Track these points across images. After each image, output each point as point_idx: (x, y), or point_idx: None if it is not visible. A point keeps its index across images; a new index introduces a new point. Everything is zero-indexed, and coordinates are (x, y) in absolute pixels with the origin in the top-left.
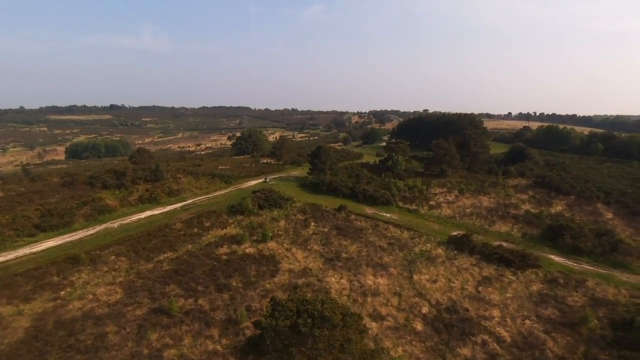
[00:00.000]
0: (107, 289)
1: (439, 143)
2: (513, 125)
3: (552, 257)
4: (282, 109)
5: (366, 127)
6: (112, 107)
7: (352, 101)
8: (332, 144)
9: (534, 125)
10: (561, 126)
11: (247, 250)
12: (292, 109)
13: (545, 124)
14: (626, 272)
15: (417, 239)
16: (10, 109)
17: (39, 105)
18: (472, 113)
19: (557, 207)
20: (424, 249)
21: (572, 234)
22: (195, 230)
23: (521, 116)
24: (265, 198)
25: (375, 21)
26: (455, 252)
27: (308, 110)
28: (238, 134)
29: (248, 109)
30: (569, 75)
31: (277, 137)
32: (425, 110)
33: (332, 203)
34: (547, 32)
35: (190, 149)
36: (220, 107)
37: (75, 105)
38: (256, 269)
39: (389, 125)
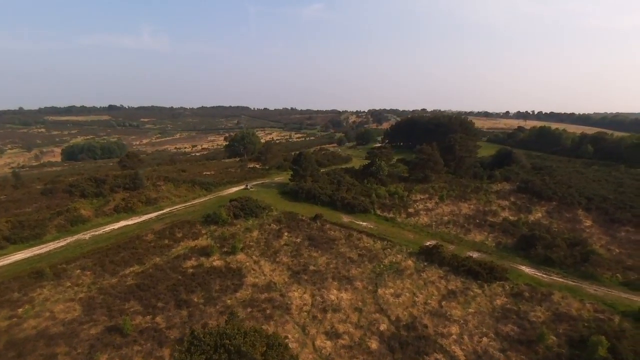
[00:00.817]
0: (66, 306)
1: (422, 148)
2: (510, 124)
3: (523, 268)
4: (281, 108)
5: (362, 128)
6: (111, 108)
7: (352, 100)
8: (327, 145)
9: (532, 124)
10: (555, 126)
11: (215, 263)
12: (292, 109)
13: (543, 123)
14: (595, 284)
15: (389, 249)
16: (9, 109)
17: (37, 106)
18: (464, 116)
19: (537, 214)
20: (393, 260)
21: (544, 244)
22: (166, 241)
23: (519, 115)
24: (241, 207)
25: (374, 20)
26: (425, 263)
27: (307, 110)
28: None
29: (247, 108)
30: (569, 73)
31: (273, 138)
32: (424, 110)
33: (310, 211)
34: (546, 29)
35: (187, 150)
36: (219, 107)
37: (74, 106)
38: (220, 283)
39: (386, 125)
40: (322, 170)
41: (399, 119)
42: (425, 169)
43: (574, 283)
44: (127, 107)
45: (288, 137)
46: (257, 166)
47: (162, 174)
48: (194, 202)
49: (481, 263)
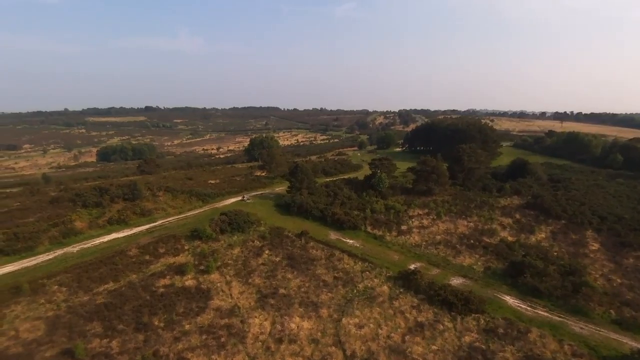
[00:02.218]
0: (32, 325)
1: (425, 159)
2: (544, 126)
3: (507, 299)
4: (311, 109)
5: (382, 131)
6: (147, 109)
7: (383, 100)
8: (348, 149)
9: (569, 126)
10: (594, 129)
11: (187, 283)
12: (322, 109)
13: (580, 125)
14: (583, 320)
15: (368, 272)
16: (55, 111)
17: (81, 107)
18: (491, 118)
19: (540, 235)
20: (369, 285)
21: (533, 272)
22: (147, 257)
23: (557, 116)
24: (229, 221)
25: (407, 17)
26: (401, 290)
27: (338, 110)
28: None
29: (277, 109)
30: (619, 70)
31: (298, 140)
32: (454, 111)
33: (299, 226)
34: (594, 22)
35: (212, 151)
36: (249, 107)
37: (113, 107)
38: (185, 306)
39: (412, 127)
40: (327, 179)
41: (426, 120)
42: (428, 182)
43: (559, 318)
44: (162, 108)
45: (313, 138)
46: (263, 174)
47: (164, 183)
48: (187, 214)
49: (457, 293)
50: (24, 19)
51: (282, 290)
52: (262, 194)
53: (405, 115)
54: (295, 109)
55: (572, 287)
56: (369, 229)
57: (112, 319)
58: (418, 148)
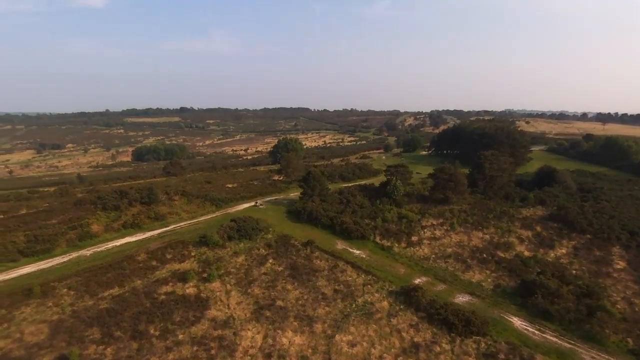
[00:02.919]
0: (36, 328)
1: (442, 167)
2: (584, 128)
3: (514, 320)
4: (341, 109)
5: (409, 134)
6: (182, 110)
7: (414, 100)
8: (373, 151)
9: (612, 128)
10: (627, 136)
11: (188, 291)
12: (352, 109)
13: (625, 128)
14: (596, 348)
15: (370, 285)
16: (97, 111)
17: (121, 108)
18: (525, 119)
19: (561, 250)
20: (368, 300)
21: (545, 293)
22: (154, 263)
23: (600, 117)
24: (237, 228)
25: (441, 13)
26: (401, 306)
27: (368, 110)
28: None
29: (307, 110)
30: None
31: (325, 141)
32: (486, 112)
33: (307, 235)
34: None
35: (240, 152)
36: (280, 108)
37: (150, 108)
38: (182, 315)
39: (443, 129)
40: (344, 185)
41: (458, 121)
42: (445, 190)
43: (569, 345)
44: (196, 109)
45: (340, 140)
46: (281, 179)
47: (183, 186)
48: (200, 219)
49: (459, 312)
50: (72, 24)
51: (279, 302)
52: (276, 199)
53: (435, 117)
54: (325, 110)
55: (587, 310)
56: (377, 239)
57: (111, 326)
58: (445, 152)
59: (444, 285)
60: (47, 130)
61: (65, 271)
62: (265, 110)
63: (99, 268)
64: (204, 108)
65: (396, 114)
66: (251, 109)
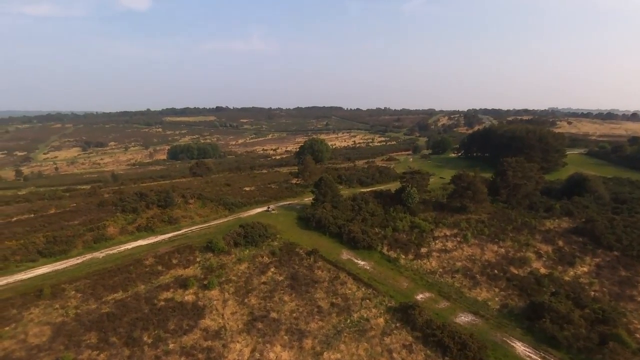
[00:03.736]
0: (40, 330)
1: (460, 175)
2: (633, 129)
3: (517, 345)
4: (374, 108)
5: (450, 132)
6: (218, 109)
7: (451, 98)
8: (401, 153)
9: None
10: None
11: (186, 298)
12: (385, 108)
13: None
14: None
15: (368, 300)
16: (138, 110)
17: (161, 107)
18: (561, 123)
19: (582, 268)
20: (365, 315)
21: (554, 317)
22: (160, 267)
23: None
24: (244, 234)
25: (479, 9)
26: (397, 324)
27: (402, 109)
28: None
29: (340, 109)
30: None
31: (355, 142)
32: (526, 110)
33: (314, 242)
34: None
35: (270, 152)
36: (313, 107)
37: (188, 108)
38: (177, 323)
39: (479, 128)
40: (362, 190)
41: (494, 121)
42: (463, 198)
43: None
44: (231, 108)
45: (371, 140)
46: (298, 182)
47: (202, 189)
48: (211, 224)
49: (455, 335)
50: (118, 27)
51: (273, 314)
52: (289, 204)
53: (470, 117)
54: (358, 109)
55: (599, 339)
56: (384, 249)
57: (108, 331)
58: (474, 155)
59: (447, 303)
60: (92, 129)
61: (76, 273)
62: (298, 109)
63: (108, 271)
64: (239, 107)
65: (430, 113)
66: (284, 108)
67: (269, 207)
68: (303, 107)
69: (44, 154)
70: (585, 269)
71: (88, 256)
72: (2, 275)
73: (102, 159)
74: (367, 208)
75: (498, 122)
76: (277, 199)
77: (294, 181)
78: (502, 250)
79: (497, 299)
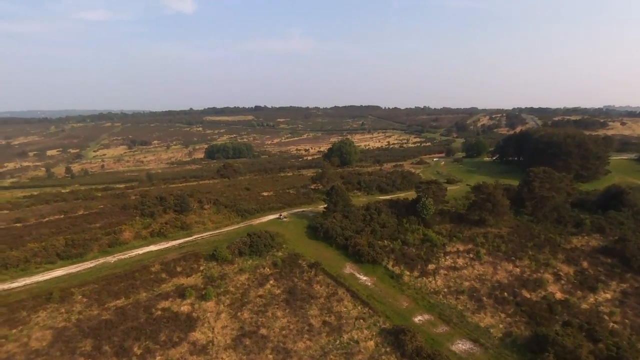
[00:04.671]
0: (42, 334)
1: (479, 186)
2: None
3: None
4: (413, 107)
5: (490, 132)
6: (256, 108)
7: (495, 97)
8: (434, 155)
9: None
10: None
11: (182, 308)
12: (424, 107)
13: None
14: None
15: (362, 320)
16: (182, 110)
17: (202, 106)
18: (613, 123)
19: (604, 295)
20: (355, 337)
21: (559, 352)
22: (164, 275)
23: None
24: (250, 243)
25: (529, 6)
26: (387, 349)
27: (442, 108)
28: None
29: (378, 108)
30: None
31: (389, 142)
32: (576, 109)
33: (319, 254)
34: None
35: (302, 152)
36: (350, 106)
37: (228, 107)
38: (168, 334)
39: (522, 129)
40: (381, 197)
41: (539, 122)
42: (482, 211)
43: None
44: (269, 108)
45: (405, 141)
46: (317, 187)
47: (220, 194)
48: (222, 230)
49: None
50: (165, 29)
51: (263, 331)
52: (303, 211)
53: (513, 117)
54: (395, 108)
55: None
56: (390, 264)
57: (103, 339)
58: (510, 159)
59: (446, 327)
60: (138, 128)
61: (87, 277)
62: (335, 108)
63: (116, 277)
64: (277, 107)
65: (471, 112)
66: (321, 107)
67: (280, 215)
68: (340, 106)
69: (94, 151)
70: (608, 296)
71: (101, 260)
72: (22, 276)
73: (145, 157)
74: (378, 219)
75: (543, 122)
76: (292, 206)
77: (312, 186)
78: (517, 270)
79: (501, 325)
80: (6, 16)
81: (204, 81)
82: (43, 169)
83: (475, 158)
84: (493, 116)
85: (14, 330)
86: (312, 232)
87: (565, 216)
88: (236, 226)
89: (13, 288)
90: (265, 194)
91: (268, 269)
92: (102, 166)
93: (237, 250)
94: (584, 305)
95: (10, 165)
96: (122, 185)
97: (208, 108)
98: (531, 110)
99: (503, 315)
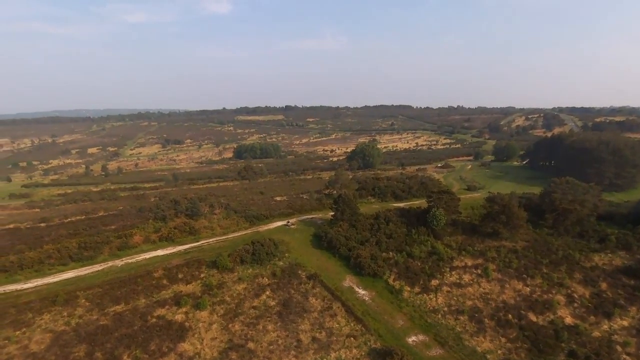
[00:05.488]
0: (41, 337)
1: (493, 197)
2: None
3: None
4: (446, 106)
5: (524, 134)
6: (287, 108)
7: (534, 95)
8: (462, 158)
9: None
10: None
11: (176, 317)
12: (457, 107)
13: None
14: None
15: (353, 338)
16: (215, 109)
17: (235, 106)
18: (627, 138)
19: (621, 322)
20: (342, 356)
21: None
22: (165, 281)
23: None
24: (252, 252)
25: None
26: None
27: (477, 107)
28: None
29: (409, 107)
30: None
31: (418, 143)
32: (622, 109)
33: (321, 264)
34: None
35: (328, 153)
36: (380, 106)
37: (259, 107)
38: (158, 344)
39: (557, 131)
40: (396, 205)
41: (579, 123)
42: (496, 223)
43: None
44: (300, 107)
45: (435, 142)
46: (330, 193)
47: (234, 197)
48: (229, 236)
49: None
50: (202, 31)
51: (250, 344)
52: (312, 218)
53: (550, 117)
54: (427, 107)
55: None
56: (391, 278)
57: (97, 345)
58: (540, 164)
59: (440, 350)
60: (173, 127)
61: (94, 280)
62: (365, 108)
63: (120, 281)
64: (307, 106)
65: (507, 112)
66: (352, 106)
67: (288, 222)
68: (370, 105)
69: (131, 150)
70: (624, 323)
71: (110, 263)
72: (35, 277)
73: (177, 156)
74: (386, 228)
75: (582, 124)
76: (303, 212)
77: (326, 191)
78: (527, 289)
79: (500, 351)
80: (54, 19)
81: (239, 81)
82: (83, 166)
83: (505, 162)
84: (529, 116)
85: (17, 332)
86: (316, 240)
87: (589, 230)
88: (243, 232)
89: (25, 289)
90: (278, 198)
91: (266, 279)
92: (136, 164)
93: (238, 258)
94: (596, 333)
95: (55, 162)
96: (148, 185)
97: (240, 107)
98: (572, 110)
99: (503, 340)
